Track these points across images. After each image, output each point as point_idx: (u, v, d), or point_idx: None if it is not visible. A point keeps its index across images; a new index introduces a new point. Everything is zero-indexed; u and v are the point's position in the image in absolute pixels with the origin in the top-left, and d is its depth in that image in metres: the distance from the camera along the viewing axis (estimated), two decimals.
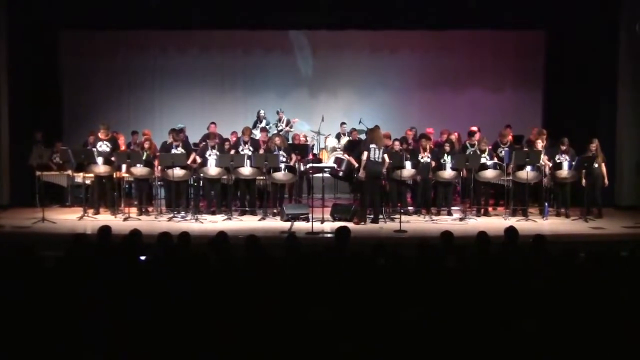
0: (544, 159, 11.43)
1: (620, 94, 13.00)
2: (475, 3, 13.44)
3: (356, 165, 11.14)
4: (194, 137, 12.97)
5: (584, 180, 11.35)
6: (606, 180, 11.48)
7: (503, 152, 11.74)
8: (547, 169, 11.52)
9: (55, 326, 4.19)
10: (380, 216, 11.03)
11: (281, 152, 11.52)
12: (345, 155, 11.49)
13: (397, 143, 11.55)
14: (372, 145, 10.65)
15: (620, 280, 5.13)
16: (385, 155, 10.80)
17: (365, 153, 10.65)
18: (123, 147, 12.22)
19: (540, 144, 11.53)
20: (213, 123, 12.85)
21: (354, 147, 12.05)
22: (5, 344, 4.06)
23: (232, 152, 11.59)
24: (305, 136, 13.81)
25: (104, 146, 11.56)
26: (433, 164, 11.48)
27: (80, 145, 12.03)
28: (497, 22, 14.07)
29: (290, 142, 13.04)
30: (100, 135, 11.67)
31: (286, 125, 13.96)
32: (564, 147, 11.37)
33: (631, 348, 4.03)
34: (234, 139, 12.43)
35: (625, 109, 12.93)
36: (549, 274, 5.23)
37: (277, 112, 14.10)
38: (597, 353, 4.01)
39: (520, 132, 13.20)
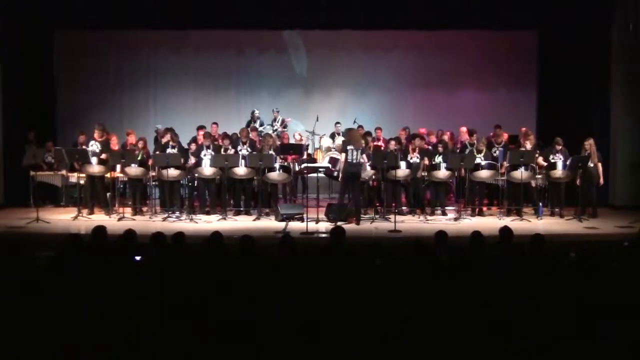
0: (537, 159, 11.47)
1: (614, 94, 13.07)
2: (468, 3, 13.48)
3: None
4: (187, 137, 12.94)
5: (578, 180, 11.38)
6: (602, 180, 11.50)
7: (497, 151, 11.78)
8: (537, 168, 11.55)
9: (50, 326, 4.18)
10: (368, 215, 11.08)
11: (271, 152, 11.51)
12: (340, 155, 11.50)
13: (393, 143, 11.57)
14: (350, 147, 10.59)
15: (614, 279, 5.15)
16: (364, 156, 10.80)
17: (343, 155, 10.63)
18: (116, 148, 12.19)
19: (528, 145, 11.57)
20: (215, 123, 12.88)
21: None
22: None
23: (232, 151, 11.57)
24: (300, 134, 13.75)
25: (94, 146, 11.56)
26: (425, 163, 11.51)
27: (71, 146, 12.01)
28: (490, 22, 14.10)
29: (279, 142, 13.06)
30: (95, 135, 11.68)
31: (280, 125, 13.95)
32: (559, 147, 11.39)
33: (627, 347, 4.04)
34: (221, 141, 12.40)
35: (619, 109, 12.99)
36: (546, 273, 5.24)
37: (273, 111, 14.08)
38: (592, 352, 4.02)
39: (514, 132, 13.22)
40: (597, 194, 11.64)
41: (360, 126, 13.46)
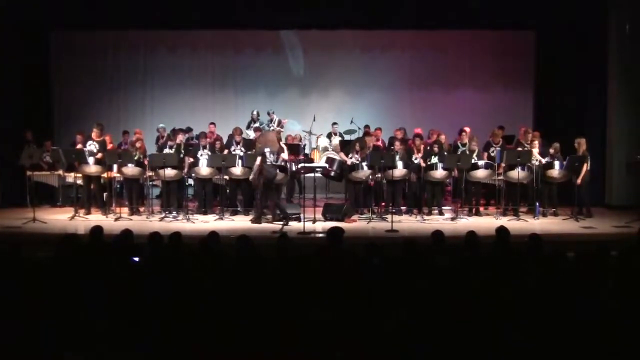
0: (538, 157, 11.48)
1: (610, 94, 13.08)
2: (466, 3, 13.49)
3: (349, 163, 11.20)
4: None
5: (579, 180, 11.35)
6: (579, 180, 11.33)
7: (495, 151, 11.79)
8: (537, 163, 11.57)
9: (46, 326, 4.18)
10: (365, 215, 11.14)
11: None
12: (337, 155, 11.51)
13: (397, 143, 11.56)
14: (267, 149, 10.59)
15: (610, 279, 5.16)
16: (283, 155, 10.83)
17: (259, 158, 10.61)
18: (110, 147, 12.17)
19: (535, 144, 11.60)
20: (212, 123, 12.87)
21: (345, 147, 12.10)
22: None
23: (225, 151, 11.58)
24: (297, 136, 13.77)
25: (92, 146, 11.55)
26: (422, 164, 11.52)
27: (68, 146, 12.01)
28: (487, 22, 14.12)
29: (283, 142, 13.04)
30: (93, 135, 11.67)
31: (277, 126, 13.94)
32: (552, 151, 11.42)
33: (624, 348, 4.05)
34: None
35: (615, 108, 12.99)
36: (542, 273, 5.25)
37: (268, 113, 14.07)
38: (589, 353, 4.03)
39: (511, 131, 13.24)
40: (590, 193, 11.65)
41: (366, 126, 13.54)
